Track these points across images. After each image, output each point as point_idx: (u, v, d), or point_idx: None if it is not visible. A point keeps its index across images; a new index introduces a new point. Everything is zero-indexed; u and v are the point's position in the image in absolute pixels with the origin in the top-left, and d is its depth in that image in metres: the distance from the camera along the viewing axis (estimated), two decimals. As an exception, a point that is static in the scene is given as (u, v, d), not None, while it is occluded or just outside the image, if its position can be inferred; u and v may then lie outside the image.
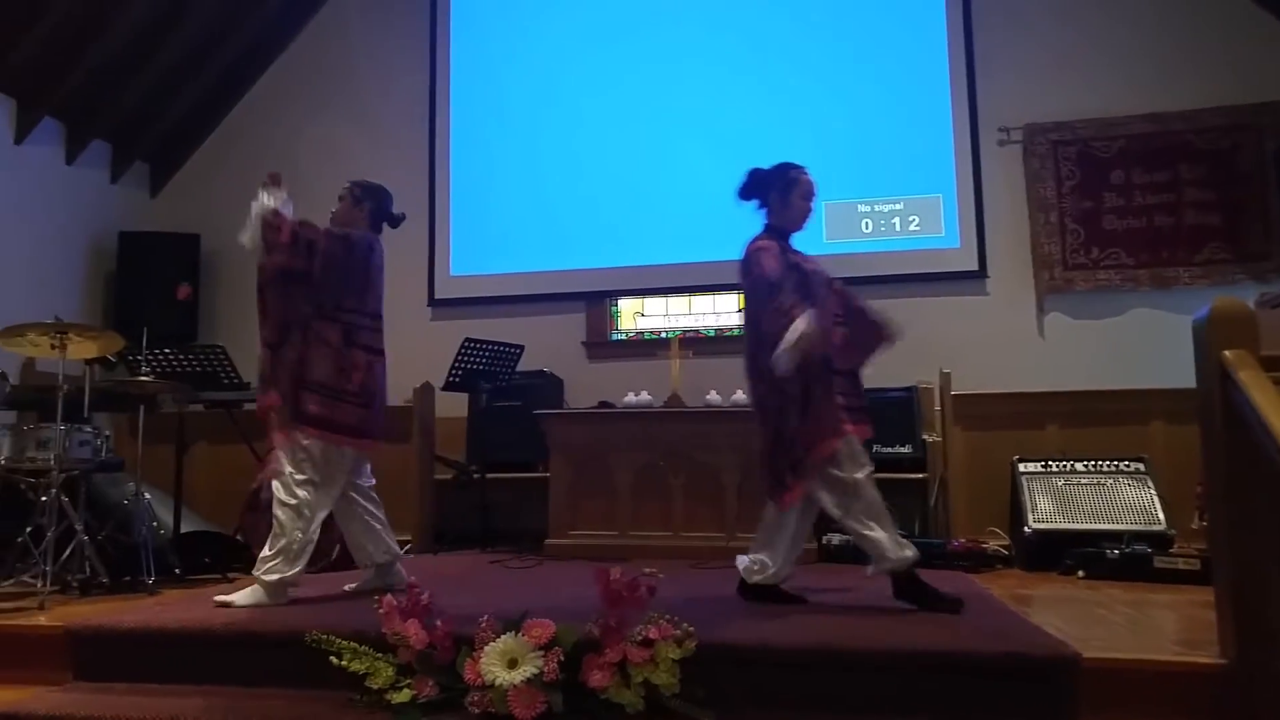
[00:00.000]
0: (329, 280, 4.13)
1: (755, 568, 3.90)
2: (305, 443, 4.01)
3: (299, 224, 4.16)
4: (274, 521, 4.00)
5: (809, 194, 4.05)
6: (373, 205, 4.40)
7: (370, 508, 4.33)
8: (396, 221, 4.54)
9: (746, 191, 4.13)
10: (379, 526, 4.34)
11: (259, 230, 4.16)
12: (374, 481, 4.40)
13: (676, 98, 7.62)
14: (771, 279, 3.80)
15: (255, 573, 3.94)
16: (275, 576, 3.90)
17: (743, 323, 4.22)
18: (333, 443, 4.07)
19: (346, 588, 4.29)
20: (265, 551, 3.95)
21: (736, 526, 5.73)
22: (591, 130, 7.76)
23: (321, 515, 4.06)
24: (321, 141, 8.15)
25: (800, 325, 3.56)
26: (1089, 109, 6.98)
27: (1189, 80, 6.82)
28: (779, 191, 4.05)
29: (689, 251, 7.37)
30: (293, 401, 4.03)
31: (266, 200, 4.17)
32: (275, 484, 4.03)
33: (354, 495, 4.28)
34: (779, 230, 4.05)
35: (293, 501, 3.98)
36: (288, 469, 4.01)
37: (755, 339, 3.90)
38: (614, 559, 4.87)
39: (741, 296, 6.33)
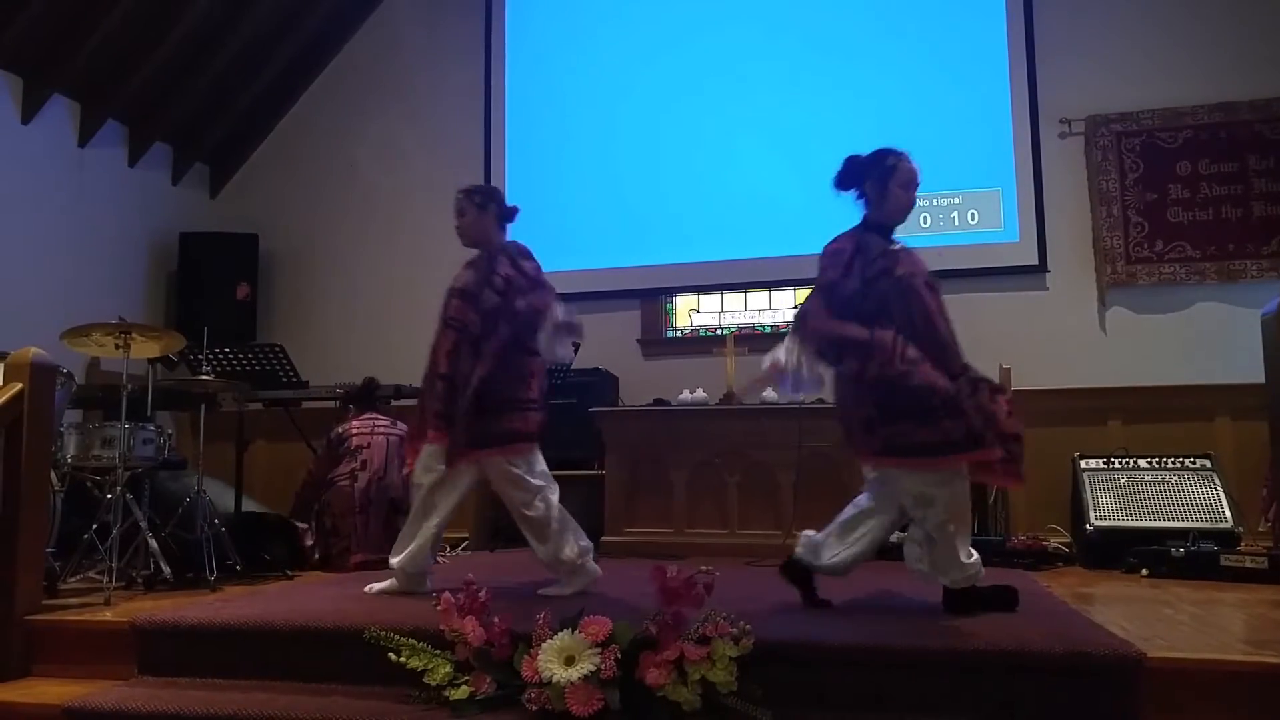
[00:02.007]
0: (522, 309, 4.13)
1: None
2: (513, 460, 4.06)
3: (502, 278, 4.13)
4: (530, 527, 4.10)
5: (909, 182, 3.73)
6: (496, 206, 4.39)
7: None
8: (514, 215, 4.48)
9: (843, 180, 3.80)
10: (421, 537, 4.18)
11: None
12: None
13: (728, 92, 7.59)
14: (822, 292, 3.62)
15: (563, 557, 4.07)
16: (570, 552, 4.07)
17: None
18: (527, 454, 4.11)
19: (370, 589, 4.18)
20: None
21: (793, 524, 5.70)
22: (645, 127, 7.75)
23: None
24: (377, 141, 8.24)
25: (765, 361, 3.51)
26: (1153, 100, 6.85)
27: (1257, 69, 6.66)
28: (876, 180, 3.72)
29: (744, 248, 7.35)
30: (488, 423, 4.01)
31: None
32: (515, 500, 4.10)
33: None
34: (877, 225, 3.73)
35: (542, 506, 4.07)
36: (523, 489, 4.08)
37: None
38: (670, 556, 4.88)
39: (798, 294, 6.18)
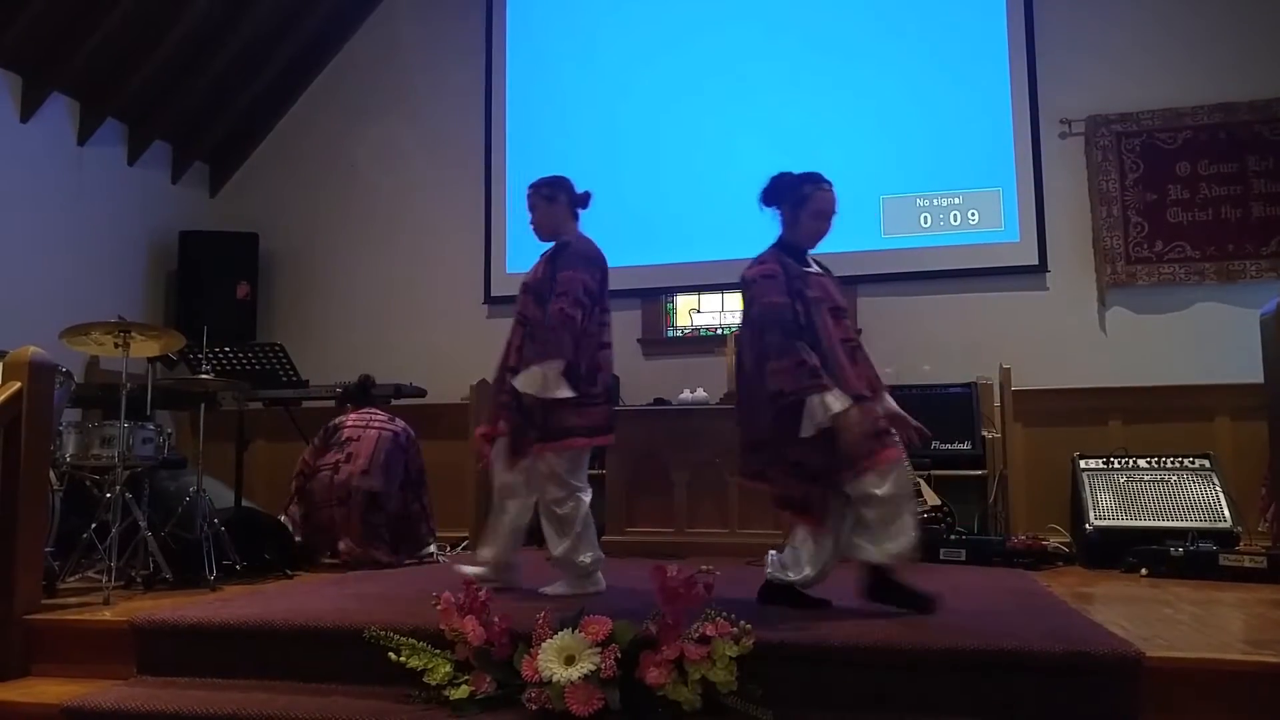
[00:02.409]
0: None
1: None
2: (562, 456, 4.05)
3: (563, 312, 4.04)
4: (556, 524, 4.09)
5: (823, 213, 3.75)
6: (566, 196, 4.38)
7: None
8: (587, 201, 4.46)
9: (765, 197, 3.85)
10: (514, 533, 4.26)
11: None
12: None
13: (728, 92, 7.60)
14: (787, 317, 3.59)
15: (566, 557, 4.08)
16: (585, 558, 4.08)
17: (744, 346, 3.88)
18: (589, 446, 4.12)
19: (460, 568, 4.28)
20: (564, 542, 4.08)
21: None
22: (646, 127, 7.75)
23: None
24: (377, 141, 8.23)
25: (835, 405, 3.42)
26: (1153, 100, 6.85)
27: (1256, 70, 6.66)
28: (790, 205, 3.78)
29: (744, 248, 7.23)
30: (549, 418, 4.00)
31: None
32: (548, 496, 4.08)
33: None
34: (791, 246, 3.79)
35: (572, 505, 4.08)
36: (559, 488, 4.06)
37: (757, 360, 3.69)
38: (670, 556, 4.87)
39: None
